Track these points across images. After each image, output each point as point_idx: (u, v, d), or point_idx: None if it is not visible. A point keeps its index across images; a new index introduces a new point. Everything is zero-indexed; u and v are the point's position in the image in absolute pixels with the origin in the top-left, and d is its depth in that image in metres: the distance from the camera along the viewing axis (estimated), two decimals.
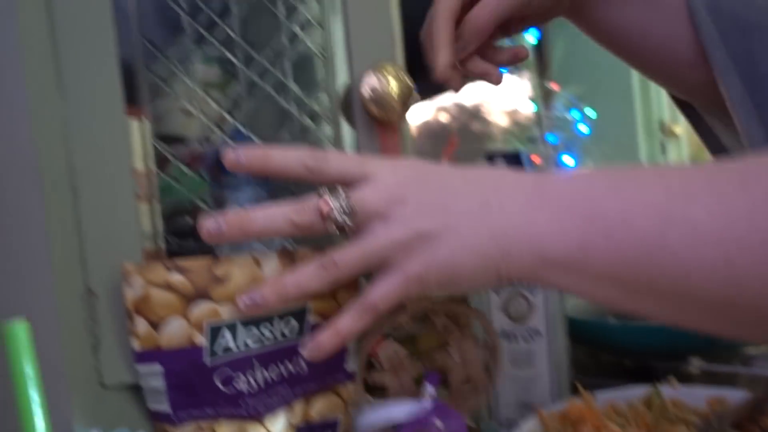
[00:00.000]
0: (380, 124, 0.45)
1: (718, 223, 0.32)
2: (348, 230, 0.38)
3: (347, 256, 0.38)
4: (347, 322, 0.38)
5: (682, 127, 1.55)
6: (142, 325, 0.39)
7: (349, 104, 0.46)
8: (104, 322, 0.40)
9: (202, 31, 0.46)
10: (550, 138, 1.10)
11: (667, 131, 1.48)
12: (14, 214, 0.41)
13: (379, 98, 0.44)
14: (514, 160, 0.60)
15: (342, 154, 0.40)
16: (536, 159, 1.10)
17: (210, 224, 0.37)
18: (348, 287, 0.44)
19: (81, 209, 0.39)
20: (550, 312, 0.60)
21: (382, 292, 0.38)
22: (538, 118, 1.08)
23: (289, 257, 0.42)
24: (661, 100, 1.46)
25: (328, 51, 0.49)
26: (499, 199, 0.37)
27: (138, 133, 0.44)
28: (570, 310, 0.78)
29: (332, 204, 0.37)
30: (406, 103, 0.45)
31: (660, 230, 0.33)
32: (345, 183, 0.38)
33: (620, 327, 0.76)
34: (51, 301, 0.38)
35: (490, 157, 0.62)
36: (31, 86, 0.38)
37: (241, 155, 0.38)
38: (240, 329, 0.41)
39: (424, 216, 0.37)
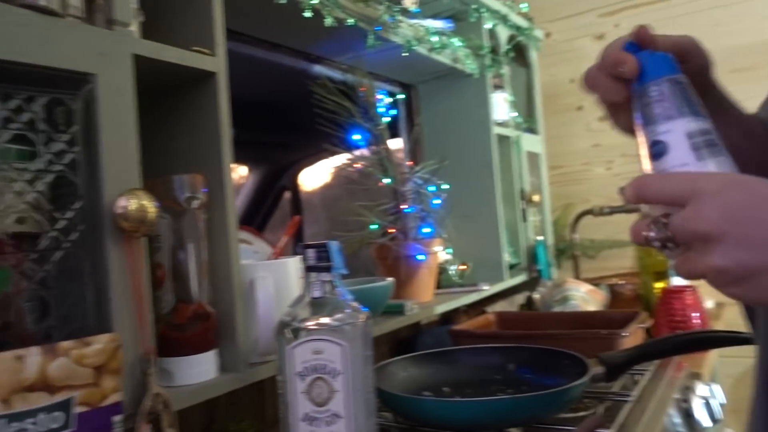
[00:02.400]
0: (127, 237, 0.57)
1: None
2: (672, 249, 0.43)
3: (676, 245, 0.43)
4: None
5: (540, 195, 1.70)
6: None
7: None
8: None
9: None
10: (408, 210, 1.17)
11: (527, 199, 1.60)
12: None
13: (128, 216, 0.56)
14: (323, 250, 0.65)
15: (666, 176, 0.43)
16: (391, 230, 1.16)
17: None
18: (113, 374, 0.47)
19: None
20: (352, 396, 0.63)
21: (703, 271, 0.41)
22: (393, 192, 1.15)
23: (51, 352, 0.44)
24: (523, 173, 1.59)
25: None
26: None
27: None
28: (389, 387, 0.82)
29: (653, 234, 0.43)
30: (149, 221, 0.57)
31: None
32: (672, 204, 0.42)
33: (434, 402, 0.82)
34: None
35: (304, 247, 0.66)
36: None
37: (639, 185, 0.44)
38: (3, 424, 0.42)
39: (743, 251, 0.39)
